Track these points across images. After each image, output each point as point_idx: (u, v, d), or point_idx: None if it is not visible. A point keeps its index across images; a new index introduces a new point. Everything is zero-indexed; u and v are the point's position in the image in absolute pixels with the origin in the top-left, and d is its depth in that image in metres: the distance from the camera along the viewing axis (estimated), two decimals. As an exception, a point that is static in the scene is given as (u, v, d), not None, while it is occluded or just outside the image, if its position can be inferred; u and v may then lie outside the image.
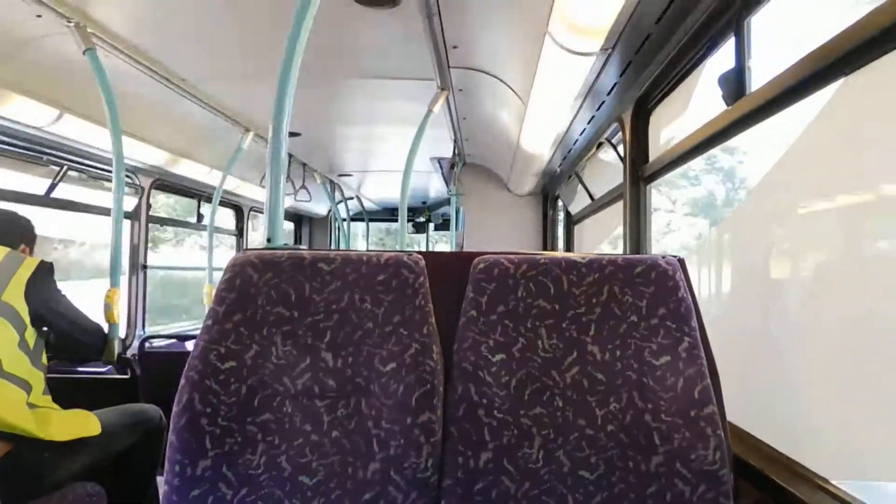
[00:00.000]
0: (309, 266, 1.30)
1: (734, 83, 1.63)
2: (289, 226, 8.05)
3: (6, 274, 2.06)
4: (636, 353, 1.27)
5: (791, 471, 1.32)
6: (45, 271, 2.15)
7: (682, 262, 1.35)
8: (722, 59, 1.94)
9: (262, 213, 6.43)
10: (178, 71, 3.06)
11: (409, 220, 8.14)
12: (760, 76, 1.59)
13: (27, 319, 2.05)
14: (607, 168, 3.60)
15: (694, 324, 1.27)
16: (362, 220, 8.80)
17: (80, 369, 3.09)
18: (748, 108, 1.56)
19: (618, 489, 1.21)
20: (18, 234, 2.31)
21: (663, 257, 1.33)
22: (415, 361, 1.25)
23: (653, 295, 1.29)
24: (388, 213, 8.96)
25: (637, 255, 1.34)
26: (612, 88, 2.56)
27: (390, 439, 1.22)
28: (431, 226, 8.62)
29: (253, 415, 1.22)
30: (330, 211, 8.05)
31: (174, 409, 1.21)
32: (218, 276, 4.69)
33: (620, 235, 2.84)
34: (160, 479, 2.46)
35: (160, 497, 1.21)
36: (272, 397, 1.24)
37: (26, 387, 2.02)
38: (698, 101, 2.29)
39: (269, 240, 1.60)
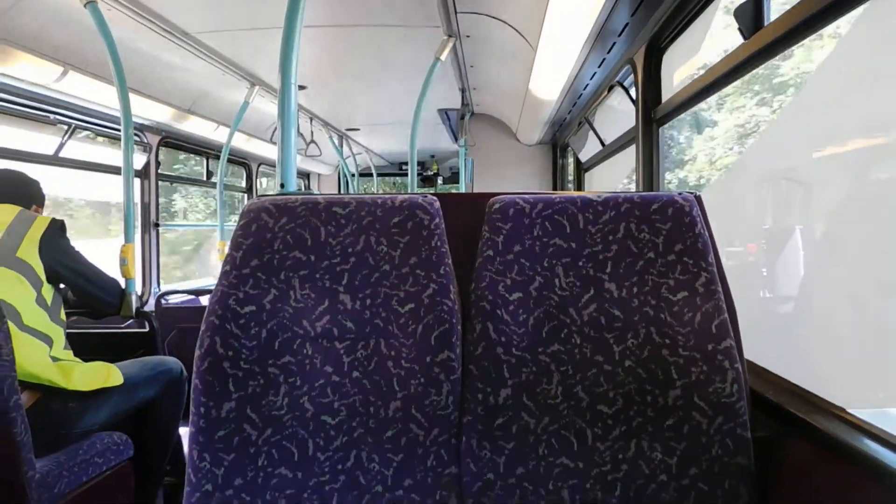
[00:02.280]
0: (324, 210, 1.30)
1: (751, 15, 1.59)
2: (299, 182, 8.02)
3: (20, 232, 2.08)
4: (653, 290, 1.27)
5: (807, 402, 1.33)
6: (56, 228, 2.17)
7: (698, 198, 1.34)
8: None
9: (271, 167, 6.43)
10: (182, 24, 3.02)
11: (417, 174, 8.11)
12: (778, 7, 1.56)
13: (43, 276, 2.08)
14: (618, 114, 3.56)
15: (711, 259, 1.27)
16: (371, 174, 8.77)
17: (100, 325, 3.14)
18: (767, 39, 1.52)
19: (636, 423, 1.22)
20: (29, 194, 2.32)
21: (679, 194, 1.32)
22: (432, 302, 1.26)
23: (669, 231, 1.28)
24: (396, 168, 8.92)
25: (653, 193, 1.33)
26: (624, 29, 2.51)
27: (410, 378, 1.24)
28: (440, 179, 8.58)
29: (274, 357, 1.24)
30: (338, 166, 8.02)
31: (196, 353, 1.23)
32: (228, 232, 4.71)
33: (631, 182, 2.82)
34: (183, 431, 2.52)
35: (186, 440, 1.24)
36: (292, 340, 1.25)
37: (47, 340, 2.06)
38: (712, 39, 2.25)
39: (282, 185, 1.60)
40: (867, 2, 1.23)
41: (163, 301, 3.50)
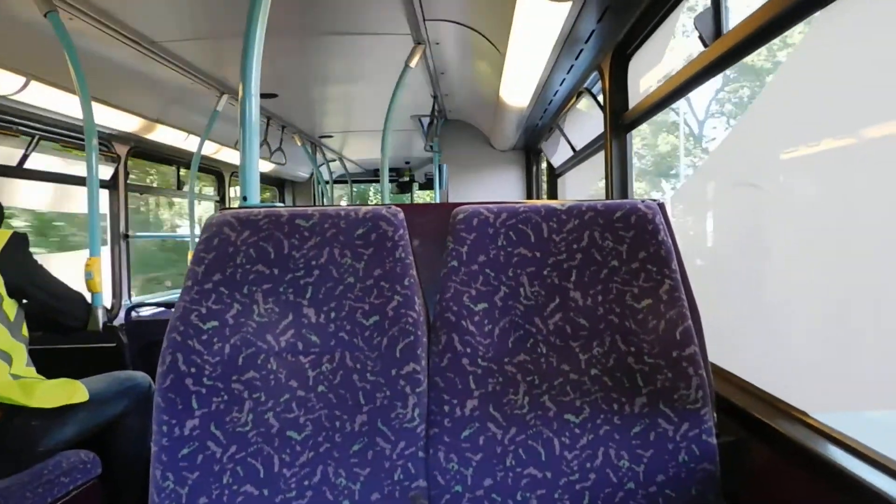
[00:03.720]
0: (287, 223, 1.29)
1: (711, 23, 1.61)
2: (273, 191, 7.97)
3: None
4: (618, 298, 1.28)
5: (772, 406, 1.35)
6: (18, 242, 2.12)
7: (661, 205, 1.35)
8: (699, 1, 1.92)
9: None
10: (147, 32, 2.97)
11: (392, 181, 8.07)
12: (736, 16, 1.58)
13: (3, 291, 2.03)
14: (588, 119, 3.58)
15: (675, 266, 1.28)
16: (345, 181, 8.72)
17: (67, 341, 3.08)
18: (726, 47, 1.54)
19: (603, 431, 1.23)
20: None
21: (643, 201, 1.33)
22: (397, 314, 1.25)
23: (633, 239, 1.29)
24: (370, 175, 8.88)
25: (616, 201, 1.34)
26: (590, 35, 2.53)
27: (376, 391, 1.23)
28: (416, 185, 8.56)
29: (238, 373, 1.22)
30: (312, 174, 7.96)
31: (158, 370, 1.21)
32: None
33: (603, 186, 2.84)
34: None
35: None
36: (256, 355, 1.24)
37: (7, 358, 2.01)
38: (676, 45, 2.28)
39: (244, 198, 1.58)
40: (822, 8, 1.25)
41: (133, 314, 3.44)
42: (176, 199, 6.20)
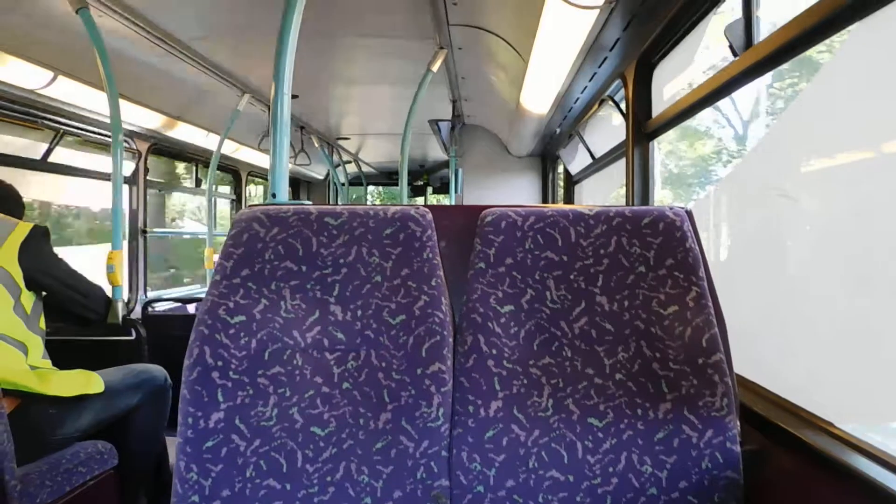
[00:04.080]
0: (315, 221, 1.30)
1: (741, 33, 1.61)
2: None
3: None
4: (644, 304, 1.27)
5: (795, 416, 1.34)
6: (39, 235, 2.13)
7: (689, 213, 1.35)
8: (727, 11, 1.92)
9: (259, 177, 6.40)
10: (174, 30, 3.01)
11: (408, 184, 8.10)
12: (767, 26, 1.57)
13: (22, 283, 2.05)
14: (608, 127, 3.58)
15: (702, 274, 1.27)
16: (360, 183, 8.76)
17: (86, 333, 3.11)
18: (756, 57, 1.54)
19: (626, 436, 1.22)
20: (14, 202, 2.30)
21: (671, 208, 1.33)
22: (424, 314, 1.26)
23: (660, 246, 1.29)
24: (385, 177, 8.92)
25: (645, 207, 1.34)
26: (615, 44, 2.53)
27: (401, 390, 1.23)
28: (430, 189, 8.59)
29: (264, 368, 1.23)
30: (328, 175, 8.00)
31: (185, 362, 1.22)
32: (218, 240, 4.67)
33: (622, 194, 2.84)
34: (169, 439, 2.49)
35: (174, 450, 1.23)
36: (282, 351, 1.25)
37: (23, 348, 2.03)
38: (702, 54, 2.27)
39: (273, 195, 1.59)
40: (856, 22, 1.25)
41: (150, 309, 3.47)
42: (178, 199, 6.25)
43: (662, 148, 2.58)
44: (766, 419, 1.34)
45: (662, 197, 2.78)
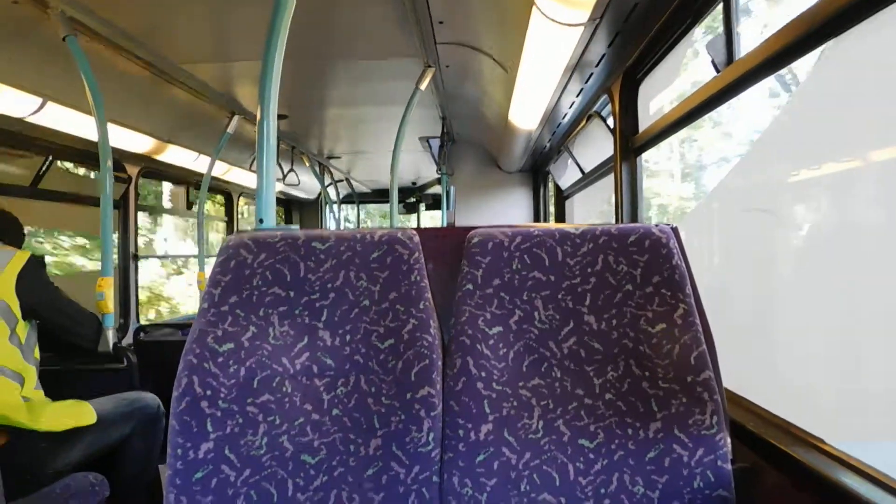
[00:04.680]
0: (303, 246, 1.30)
1: (723, 49, 1.63)
2: (277, 210, 8.01)
3: None
4: (632, 322, 1.27)
5: (786, 432, 1.34)
6: (35, 265, 2.12)
7: (675, 230, 1.35)
8: (709, 26, 1.94)
9: (252, 198, 6.39)
10: (161, 54, 3.01)
11: (399, 202, 8.11)
12: (748, 42, 1.59)
13: (18, 313, 2.04)
14: (597, 142, 3.60)
15: (689, 291, 1.27)
16: (352, 202, 8.76)
17: (76, 361, 3.08)
18: (738, 73, 1.56)
19: (617, 456, 1.22)
20: (14, 231, 2.29)
21: (657, 225, 1.33)
22: (412, 337, 1.25)
23: (647, 263, 1.29)
24: (377, 195, 8.92)
25: (630, 225, 1.34)
26: (601, 60, 2.55)
27: (391, 415, 1.22)
28: (422, 206, 8.59)
29: (253, 396, 1.22)
30: (320, 194, 8.00)
31: (174, 393, 1.21)
32: (209, 262, 4.65)
33: (612, 209, 2.84)
34: (162, 468, 2.47)
35: (164, 481, 1.21)
36: (271, 378, 1.24)
37: (19, 380, 2.01)
38: (687, 70, 2.29)
39: (260, 221, 1.58)
40: (832, 38, 1.26)
41: (141, 335, 3.44)
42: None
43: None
44: (757, 436, 1.33)
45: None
